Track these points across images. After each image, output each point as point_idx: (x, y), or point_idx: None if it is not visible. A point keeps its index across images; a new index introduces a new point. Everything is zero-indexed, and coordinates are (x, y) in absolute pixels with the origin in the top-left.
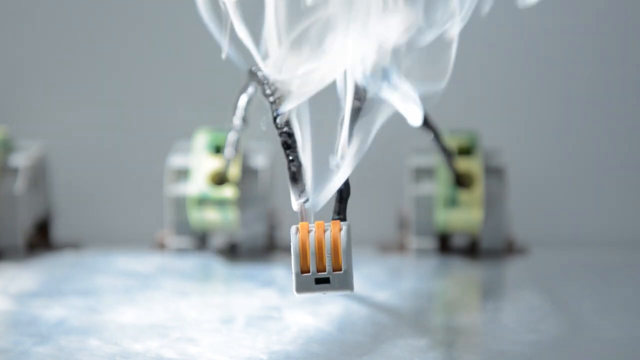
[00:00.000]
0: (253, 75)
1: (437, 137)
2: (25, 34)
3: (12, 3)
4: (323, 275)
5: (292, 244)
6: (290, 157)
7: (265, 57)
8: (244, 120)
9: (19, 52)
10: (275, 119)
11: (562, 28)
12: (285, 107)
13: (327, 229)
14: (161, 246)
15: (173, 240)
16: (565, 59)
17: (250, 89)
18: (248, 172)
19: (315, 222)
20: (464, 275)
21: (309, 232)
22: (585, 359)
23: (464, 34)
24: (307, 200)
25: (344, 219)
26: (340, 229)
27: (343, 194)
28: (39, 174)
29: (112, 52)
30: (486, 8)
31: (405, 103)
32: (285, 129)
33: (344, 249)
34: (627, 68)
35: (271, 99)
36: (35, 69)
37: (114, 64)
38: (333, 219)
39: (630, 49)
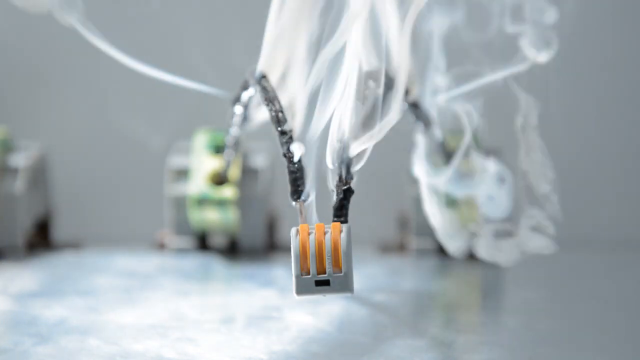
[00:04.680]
0: (252, 79)
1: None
2: (25, 33)
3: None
4: (323, 277)
5: (292, 245)
6: (292, 157)
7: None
8: (245, 117)
9: (18, 52)
10: (275, 118)
11: (561, 26)
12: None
13: (327, 231)
14: (161, 246)
15: (173, 240)
16: (564, 59)
17: (247, 94)
18: (248, 172)
19: (316, 224)
20: (464, 275)
21: (309, 234)
22: (585, 358)
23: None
24: (307, 199)
25: (344, 221)
26: (341, 231)
27: (344, 195)
28: (39, 174)
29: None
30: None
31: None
32: (287, 129)
33: (344, 251)
34: (625, 68)
35: (268, 104)
36: (35, 69)
37: (113, 64)
38: (333, 221)
39: (628, 51)
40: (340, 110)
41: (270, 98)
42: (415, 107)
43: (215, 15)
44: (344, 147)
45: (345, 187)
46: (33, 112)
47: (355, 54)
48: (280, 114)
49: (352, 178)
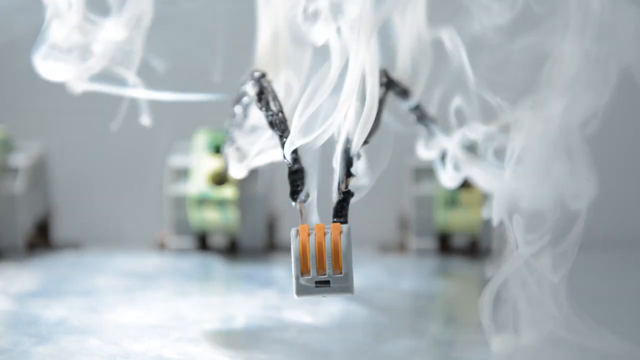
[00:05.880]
0: (251, 78)
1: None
2: (25, 31)
3: (11, 1)
4: (323, 278)
5: (292, 247)
6: (291, 157)
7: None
8: (245, 115)
9: (18, 51)
10: (273, 122)
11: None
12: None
13: (327, 232)
14: (161, 246)
15: (173, 240)
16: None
17: (246, 99)
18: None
19: (316, 225)
20: (464, 275)
21: (309, 234)
22: (586, 358)
23: (464, 33)
24: (307, 199)
25: (344, 222)
26: (341, 232)
27: (344, 196)
28: (39, 174)
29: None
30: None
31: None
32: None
33: (344, 252)
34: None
35: (268, 110)
36: (35, 69)
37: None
38: (333, 222)
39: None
40: (342, 111)
41: (266, 102)
42: (417, 110)
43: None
44: (345, 148)
45: (345, 190)
46: (33, 112)
47: (357, 56)
48: (277, 117)
49: (354, 176)
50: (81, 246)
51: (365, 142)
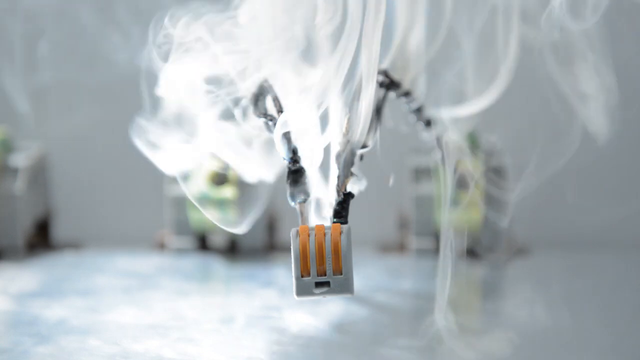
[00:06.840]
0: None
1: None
2: (26, 32)
3: (12, 2)
4: (323, 279)
5: (292, 247)
6: (293, 158)
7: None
8: (244, 115)
9: (19, 52)
10: (269, 128)
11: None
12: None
13: (327, 232)
14: (161, 246)
15: (173, 240)
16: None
17: (245, 101)
18: None
19: (315, 225)
20: (464, 275)
21: (309, 235)
22: (586, 358)
23: (463, 35)
24: (306, 199)
25: (344, 222)
26: (341, 232)
27: (344, 197)
28: (39, 174)
29: (112, 51)
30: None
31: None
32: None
33: (344, 253)
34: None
35: (266, 116)
36: (35, 69)
37: (112, 64)
38: (333, 222)
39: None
40: (341, 112)
41: (263, 107)
42: (419, 112)
43: None
44: (346, 149)
45: (345, 192)
46: (33, 112)
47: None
48: (275, 120)
49: (355, 176)
50: (81, 246)
51: (365, 145)
